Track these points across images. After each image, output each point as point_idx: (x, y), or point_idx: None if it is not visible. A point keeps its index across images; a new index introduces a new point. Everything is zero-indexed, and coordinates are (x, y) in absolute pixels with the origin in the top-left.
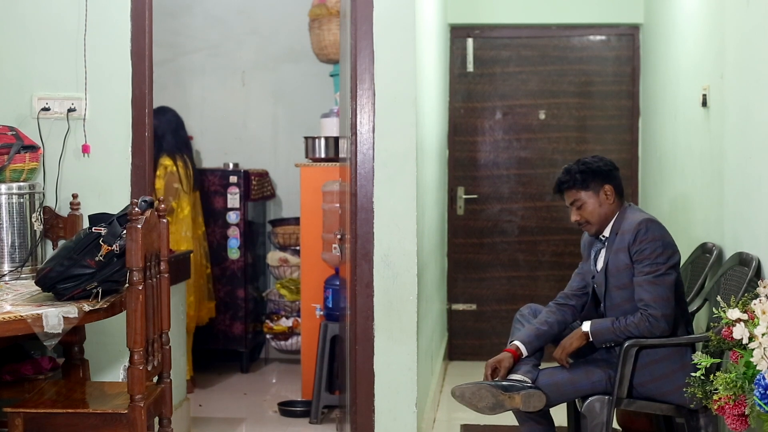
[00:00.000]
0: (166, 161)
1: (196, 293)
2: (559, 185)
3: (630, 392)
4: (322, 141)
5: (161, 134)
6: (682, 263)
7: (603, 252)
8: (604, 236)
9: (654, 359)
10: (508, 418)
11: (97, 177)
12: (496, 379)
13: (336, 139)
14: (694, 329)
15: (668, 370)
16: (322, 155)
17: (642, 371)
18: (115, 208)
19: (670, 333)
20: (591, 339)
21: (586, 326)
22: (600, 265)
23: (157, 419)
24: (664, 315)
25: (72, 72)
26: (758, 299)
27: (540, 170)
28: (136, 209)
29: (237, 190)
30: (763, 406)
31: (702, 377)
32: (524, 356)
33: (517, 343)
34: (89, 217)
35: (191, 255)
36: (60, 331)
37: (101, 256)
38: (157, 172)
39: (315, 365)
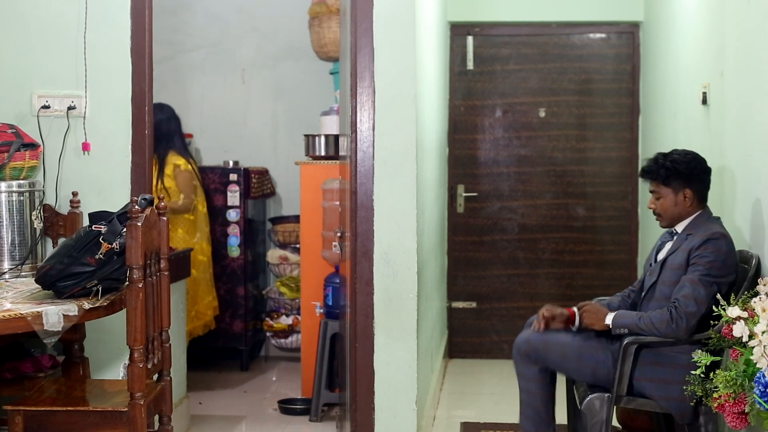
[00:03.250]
0: (178, 160)
1: (205, 292)
2: (643, 172)
3: (630, 385)
4: (322, 139)
5: (165, 132)
6: None
7: (668, 245)
8: (675, 231)
9: (658, 361)
10: (509, 416)
11: (97, 175)
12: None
13: (336, 137)
14: None
15: (668, 377)
16: (322, 153)
17: (644, 368)
18: (115, 205)
19: (687, 337)
20: (611, 325)
21: (609, 318)
22: (661, 256)
23: (157, 417)
24: (693, 314)
25: (72, 70)
26: (758, 297)
27: (540, 168)
28: (136, 207)
29: (237, 188)
30: (763, 404)
31: (702, 375)
32: (575, 326)
33: (575, 309)
34: (89, 215)
35: (209, 253)
36: (60, 329)
37: (101, 254)
38: (166, 171)
39: (315, 363)
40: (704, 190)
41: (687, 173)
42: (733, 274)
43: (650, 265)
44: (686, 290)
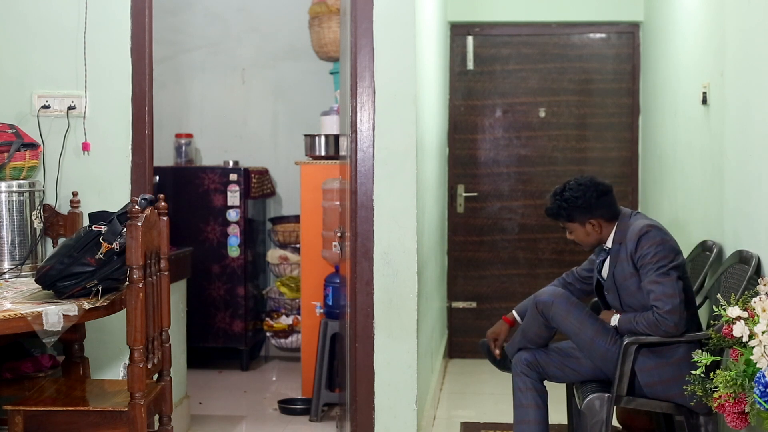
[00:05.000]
0: None
1: None
2: (546, 214)
3: (635, 391)
4: (322, 139)
5: None
6: None
7: (607, 261)
8: (607, 246)
9: (665, 362)
10: (510, 417)
11: (97, 175)
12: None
13: (336, 137)
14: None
15: (677, 374)
16: (322, 153)
17: (650, 372)
18: (115, 205)
19: (683, 330)
20: (618, 325)
21: (614, 320)
22: (605, 273)
23: (157, 417)
24: (671, 311)
25: (72, 69)
26: (758, 297)
27: (540, 168)
28: (136, 207)
29: (237, 188)
30: (763, 404)
31: (702, 375)
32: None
33: (514, 313)
34: (89, 215)
35: None
36: (60, 329)
37: (101, 254)
38: None
39: (315, 363)
40: (609, 209)
41: (585, 206)
42: (679, 253)
43: (601, 284)
44: (654, 293)
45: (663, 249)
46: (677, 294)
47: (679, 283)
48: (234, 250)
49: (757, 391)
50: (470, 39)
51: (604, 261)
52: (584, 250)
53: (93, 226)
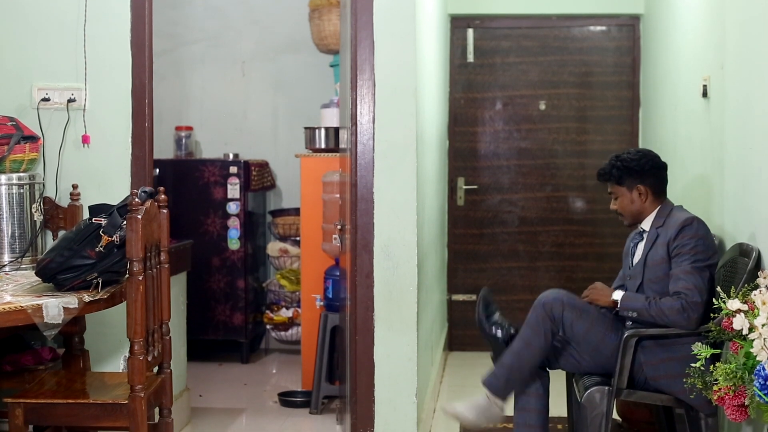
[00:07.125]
0: None
1: None
2: (598, 175)
3: (636, 383)
4: (323, 131)
5: None
6: None
7: (641, 245)
8: (643, 229)
9: (672, 356)
10: (508, 409)
11: (97, 167)
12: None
13: (336, 130)
14: None
15: (682, 370)
16: (323, 146)
17: (657, 366)
18: (115, 198)
19: (695, 327)
20: (619, 304)
21: (617, 294)
22: (637, 258)
23: (157, 409)
24: (698, 304)
25: (72, 62)
26: (758, 290)
27: (540, 161)
28: (136, 200)
29: (237, 181)
30: (763, 396)
31: (702, 368)
32: None
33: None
34: (89, 207)
35: None
36: (60, 322)
37: (101, 246)
38: None
39: (315, 356)
40: (659, 184)
41: (638, 170)
42: (716, 253)
43: (629, 268)
44: (685, 282)
45: (703, 244)
46: (705, 292)
47: (708, 282)
48: (234, 242)
49: (757, 384)
50: (470, 31)
51: (637, 245)
52: (624, 222)
53: (93, 219)
